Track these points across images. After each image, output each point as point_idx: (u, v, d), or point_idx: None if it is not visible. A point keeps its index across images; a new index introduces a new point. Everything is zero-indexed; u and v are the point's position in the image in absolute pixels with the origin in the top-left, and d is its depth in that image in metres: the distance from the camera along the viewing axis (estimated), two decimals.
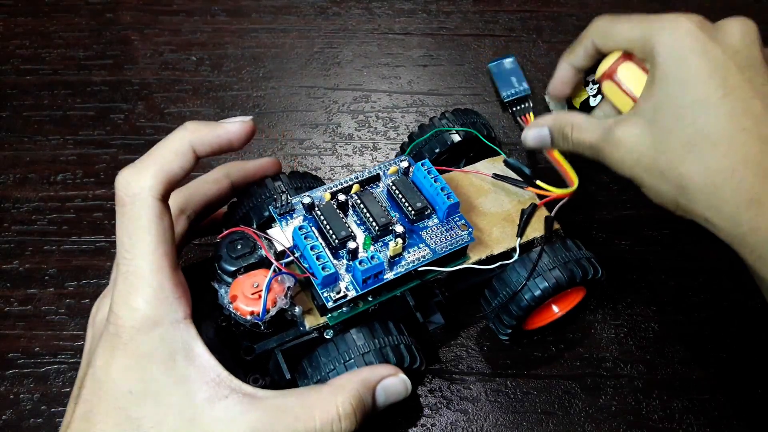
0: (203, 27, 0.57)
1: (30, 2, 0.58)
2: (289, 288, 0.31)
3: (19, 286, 0.42)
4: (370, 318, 0.33)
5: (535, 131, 0.37)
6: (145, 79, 0.53)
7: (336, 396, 0.28)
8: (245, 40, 0.56)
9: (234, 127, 0.31)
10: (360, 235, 0.33)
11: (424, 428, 0.38)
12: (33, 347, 0.40)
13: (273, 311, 0.30)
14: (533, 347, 0.40)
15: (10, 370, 0.39)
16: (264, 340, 0.32)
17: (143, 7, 0.58)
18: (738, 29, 0.31)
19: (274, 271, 0.30)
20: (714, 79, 0.29)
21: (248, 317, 0.30)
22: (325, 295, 0.31)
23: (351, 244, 0.32)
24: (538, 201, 0.38)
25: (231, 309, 0.30)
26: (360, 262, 0.31)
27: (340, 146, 0.50)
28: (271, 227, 0.34)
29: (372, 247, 0.33)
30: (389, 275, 0.32)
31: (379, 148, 0.50)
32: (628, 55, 0.35)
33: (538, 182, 0.37)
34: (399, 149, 0.43)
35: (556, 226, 0.37)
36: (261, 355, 0.32)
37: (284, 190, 0.36)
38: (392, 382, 0.30)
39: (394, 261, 0.33)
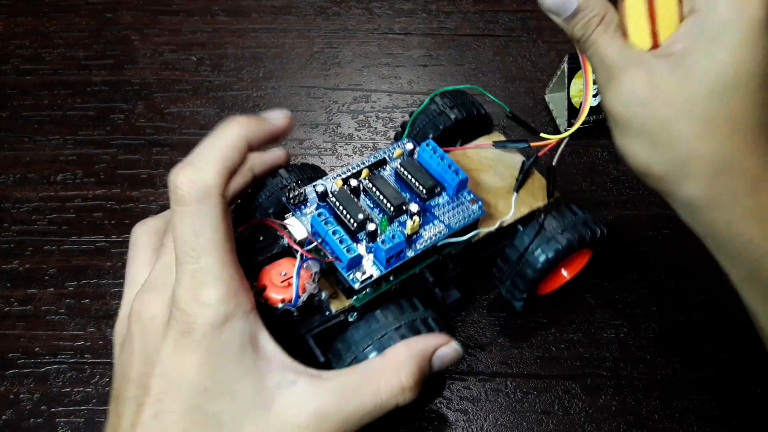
0: (203, 27, 0.57)
1: (30, 2, 0.58)
2: (315, 273, 0.31)
3: (19, 286, 0.42)
4: (391, 298, 0.34)
5: None
6: (145, 79, 0.53)
7: (398, 369, 0.28)
8: (245, 40, 0.56)
9: (280, 121, 0.32)
10: (375, 218, 0.34)
11: (424, 428, 0.38)
12: (33, 347, 0.40)
13: (304, 297, 0.31)
14: (533, 347, 0.40)
15: (10, 370, 0.39)
16: (291, 329, 0.33)
17: (143, 7, 0.58)
18: None
19: (301, 257, 0.31)
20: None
21: (279, 305, 0.30)
22: (351, 277, 0.32)
23: (370, 226, 0.32)
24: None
25: (261, 299, 0.30)
26: (382, 242, 0.32)
27: (340, 146, 0.50)
28: (285, 218, 0.35)
29: (389, 228, 0.34)
30: (410, 253, 0.33)
31: (380, 148, 0.50)
32: None
33: (542, 134, 0.37)
34: (393, 139, 0.43)
35: (557, 194, 0.38)
36: (290, 343, 0.32)
37: (296, 181, 0.37)
38: (446, 351, 0.31)
39: (412, 239, 0.34)
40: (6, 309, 0.41)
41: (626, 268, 0.44)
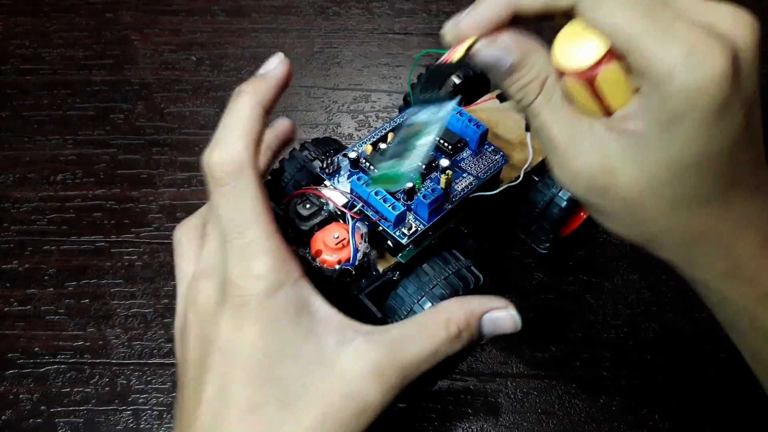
0: (203, 27, 0.57)
1: (30, 2, 0.58)
2: (365, 234, 0.33)
3: (19, 286, 0.42)
4: (432, 253, 0.36)
5: (494, 52, 0.25)
6: (144, 79, 0.53)
7: (447, 320, 0.29)
8: (245, 40, 0.56)
9: (279, 70, 0.32)
10: None
11: (424, 428, 0.38)
12: (32, 347, 0.40)
13: (359, 256, 0.33)
14: (534, 348, 0.40)
15: (9, 370, 0.39)
16: (344, 291, 0.34)
17: (143, 7, 0.58)
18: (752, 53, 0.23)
19: (353, 219, 0.33)
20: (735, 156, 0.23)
21: (336, 267, 0.32)
22: (398, 233, 0.34)
23: (408, 185, 0.34)
24: None
25: (317, 264, 0.32)
26: (424, 196, 0.33)
27: None
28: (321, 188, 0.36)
29: (423, 185, 0.35)
30: (448, 206, 0.35)
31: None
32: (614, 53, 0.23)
33: None
34: (403, 103, 0.45)
35: None
36: (345, 304, 0.33)
37: (324, 152, 0.38)
38: (499, 315, 0.30)
39: (447, 192, 0.35)
40: (5, 309, 0.41)
41: (626, 268, 0.43)
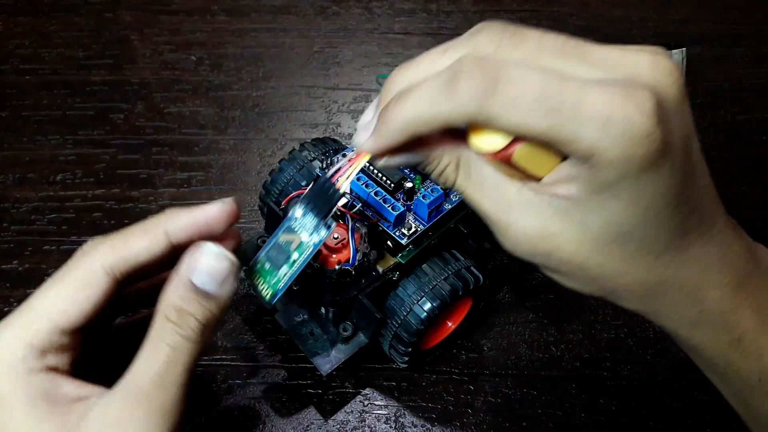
0: (203, 27, 0.57)
1: (29, 2, 0.58)
2: (365, 234, 0.33)
3: (19, 286, 0.42)
4: (431, 253, 0.36)
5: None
6: (144, 79, 0.53)
7: (164, 314, 0.26)
8: (245, 40, 0.56)
9: (213, 209, 0.28)
10: (409, 177, 0.36)
11: (424, 429, 0.38)
12: None
13: (359, 256, 0.33)
14: (534, 348, 0.40)
15: None
16: (340, 293, 0.34)
17: (143, 7, 0.58)
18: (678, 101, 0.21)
19: (352, 220, 0.33)
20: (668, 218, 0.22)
21: (336, 267, 0.32)
22: (398, 234, 0.34)
23: (407, 185, 0.34)
24: None
25: (317, 264, 0.32)
26: (423, 197, 0.34)
27: None
28: None
29: (422, 186, 0.35)
30: (447, 206, 0.35)
31: None
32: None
33: None
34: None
35: None
36: (344, 305, 0.34)
37: (323, 152, 0.39)
38: (201, 263, 0.27)
39: (447, 193, 0.35)
40: (5, 309, 0.41)
41: None
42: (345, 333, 0.34)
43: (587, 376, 0.39)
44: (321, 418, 0.37)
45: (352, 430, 0.37)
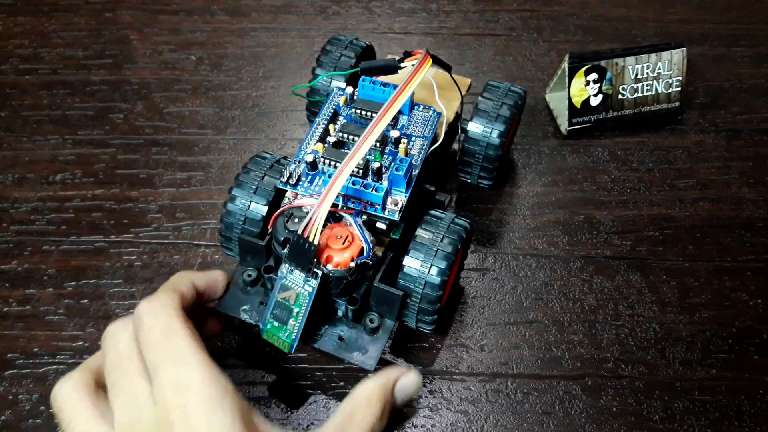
0: (203, 26, 0.57)
1: (29, 2, 0.58)
2: (362, 224, 0.34)
3: (18, 286, 0.42)
4: (411, 223, 0.36)
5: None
6: (144, 79, 0.53)
7: (369, 399, 0.31)
8: (245, 40, 0.56)
9: (218, 276, 0.35)
10: (369, 158, 0.36)
11: (425, 429, 0.38)
12: (32, 348, 0.40)
13: (372, 245, 0.34)
14: (534, 348, 0.40)
15: (8, 370, 0.39)
16: (355, 289, 0.34)
17: (142, 7, 0.58)
18: None
19: (350, 214, 0.34)
20: None
21: (351, 264, 0.33)
22: (388, 213, 0.34)
23: (374, 165, 0.34)
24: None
25: (328, 269, 0.32)
26: (396, 169, 0.34)
27: None
28: (287, 199, 0.36)
29: (383, 160, 0.36)
30: (416, 171, 0.36)
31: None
32: None
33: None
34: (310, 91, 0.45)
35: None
36: (361, 298, 0.34)
37: (281, 160, 0.38)
38: (405, 382, 0.33)
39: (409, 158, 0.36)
40: (5, 309, 0.41)
41: (626, 268, 0.43)
42: (372, 324, 0.34)
43: (588, 377, 0.39)
44: (321, 418, 0.37)
45: None
